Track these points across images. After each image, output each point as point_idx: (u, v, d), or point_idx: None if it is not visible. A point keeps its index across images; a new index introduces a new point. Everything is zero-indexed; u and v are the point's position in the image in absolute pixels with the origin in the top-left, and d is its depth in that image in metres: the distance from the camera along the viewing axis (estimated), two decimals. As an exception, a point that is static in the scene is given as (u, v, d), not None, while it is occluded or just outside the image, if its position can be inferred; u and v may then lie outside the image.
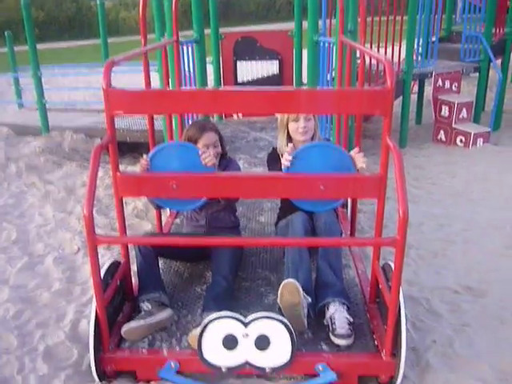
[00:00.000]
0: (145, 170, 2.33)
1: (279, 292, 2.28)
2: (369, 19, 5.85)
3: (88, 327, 2.21)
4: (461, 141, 6.47)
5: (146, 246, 2.65)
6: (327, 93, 2.22)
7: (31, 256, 3.83)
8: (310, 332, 2.36)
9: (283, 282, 2.29)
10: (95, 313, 2.17)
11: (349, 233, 3.29)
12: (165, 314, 2.42)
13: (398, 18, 6.26)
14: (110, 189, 4.99)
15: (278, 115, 2.91)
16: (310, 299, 2.34)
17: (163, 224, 3.45)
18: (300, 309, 2.25)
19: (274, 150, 2.97)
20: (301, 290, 2.27)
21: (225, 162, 2.91)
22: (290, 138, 2.86)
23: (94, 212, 2.05)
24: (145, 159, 2.35)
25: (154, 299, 2.48)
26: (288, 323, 2.08)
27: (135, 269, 3.27)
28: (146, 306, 2.47)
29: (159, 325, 2.41)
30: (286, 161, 2.23)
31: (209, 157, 2.34)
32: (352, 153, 2.37)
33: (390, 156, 2.10)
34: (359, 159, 2.34)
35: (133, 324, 2.34)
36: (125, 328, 2.33)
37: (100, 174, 5.27)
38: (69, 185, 5.39)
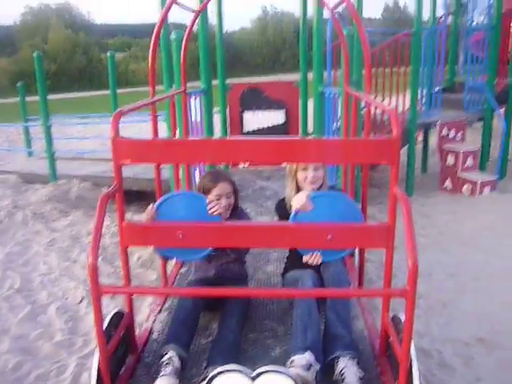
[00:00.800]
0: (151, 218, 2.32)
1: None
2: (373, 70, 5.97)
3: (89, 380, 2.14)
4: (467, 189, 6.46)
5: None
6: (334, 142, 2.23)
7: (34, 305, 3.78)
8: (318, 386, 2.27)
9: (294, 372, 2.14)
10: (97, 365, 2.11)
11: (357, 283, 3.23)
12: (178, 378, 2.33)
13: (402, 69, 6.39)
14: (116, 237, 4.98)
15: (287, 166, 2.92)
16: (318, 366, 2.26)
17: (168, 274, 3.41)
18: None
19: (282, 200, 2.96)
20: (309, 376, 2.18)
21: (236, 213, 2.89)
22: (298, 188, 2.85)
23: (99, 261, 2.03)
24: (151, 208, 2.34)
25: (182, 355, 2.37)
26: (296, 378, 2.00)
27: (139, 320, 3.23)
28: (176, 360, 2.32)
29: None
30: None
31: (215, 206, 2.33)
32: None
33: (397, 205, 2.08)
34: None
35: (167, 381, 2.22)
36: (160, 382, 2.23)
37: (107, 222, 5.27)
38: (74, 233, 5.38)
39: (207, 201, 2.34)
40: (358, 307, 3.01)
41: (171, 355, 2.34)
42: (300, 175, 2.82)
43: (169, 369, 2.27)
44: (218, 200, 2.75)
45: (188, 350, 2.46)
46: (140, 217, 5.59)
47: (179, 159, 2.48)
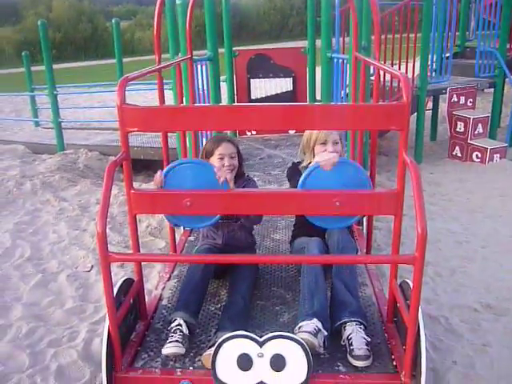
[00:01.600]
0: (159, 185, 2.32)
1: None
2: (382, 37, 5.86)
3: (101, 346, 2.17)
4: (477, 156, 6.39)
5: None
6: (343, 108, 2.20)
7: (45, 273, 3.83)
8: (327, 352, 2.30)
9: (301, 337, 2.13)
10: (108, 331, 2.14)
11: (365, 250, 3.23)
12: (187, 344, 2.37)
13: (412, 35, 6.26)
14: (124, 206, 5.00)
15: (304, 137, 2.88)
16: (325, 332, 2.28)
17: (177, 242, 3.43)
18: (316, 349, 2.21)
19: (295, 164, 2.94)
20: (317, 342, 2.20)
21: (242, 181, 2.88)
22: None
23: (107, 229, 2.04)
24: (159, 175, 2.33)
25: (190, 324, 2.40)
26: (304, 343, 2.03)
27: (149, 287, 3.26)
28: (184, 326, 2.36)
29: None
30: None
31: (223, 172, 2.32)
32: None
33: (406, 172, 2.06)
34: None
35: (175, 350, 2.26)
36: (167, 351, 2.27)
37: (114, 191, 5.28)
38: (83, 202, 5.41)
39: (215, 168, 2.32)
40: (366, 274, 3.02)
41: (179, 322, 2.38)
42: (318, 148, 2.77)
43: (176, 336, 2.31)
44: (221, 160, 2.73)
45: (197, 317, 2.49)
46: (148, 186, 5.61)
47: (186, 126, 2.45)
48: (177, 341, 2.28)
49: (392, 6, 6.61)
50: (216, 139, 2.84)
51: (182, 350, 2.28)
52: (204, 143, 3.00)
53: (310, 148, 2.81)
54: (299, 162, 2.94)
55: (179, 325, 2.37)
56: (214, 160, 2.75)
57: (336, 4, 5.93)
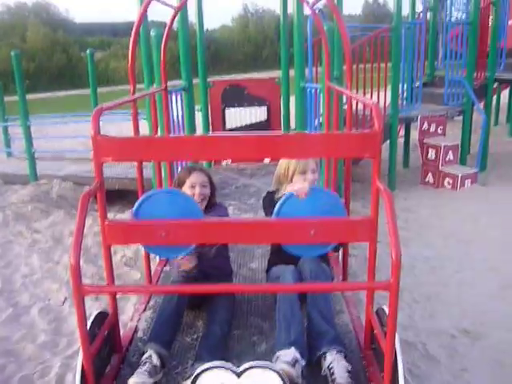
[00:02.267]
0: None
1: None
2: (353, 67, 6.00)
3: (74, 381, 2.11)
4: (448, 183, 6.52)
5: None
6: (317, 136, 2.23)
7: (16, 307, 3.73)
8: (305, 382, 2.28)
9: (279, 367, 2.12)
10: (81, 366, 2.09)
11: (341, 277, 3.24)
12: (160, 375, 2.33)
13: (382, 64, 6.42)
14: (98, 237, 4.92)
15: (280, 167, 2.87)
16: (303, 362, 2.26)
17: (152, 272, 3.39)
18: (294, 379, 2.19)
19: (269, 193, 2.94)
20: (295, 372, 2.18)
21: (214, 209, 2.88)
22: None
23: (81, 261, 2.01)
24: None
25: (162, 355, 2.36)
26: (282, 373, 2.01)
27: (123, 319, 3.20)
28: (154, 357, 2.32)
29: None
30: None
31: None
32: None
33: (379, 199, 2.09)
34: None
35: (138, 380, 2.20)
36: (130, 381, 2.21)
37: (89, 221, 5.21)
38: (56, 234, 5.32)
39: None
40: (343, 301, 3.02)
41: (150, 353, 2.34)
42: (297, 178, 2.78)
43: (145, 367, 2.27)
44: (192, 188, 2.75)
45: (169, 348, 2.45)
46: (122, 216, 5.55)
47: (161, 156, 2.46)
48: (144, 371, 2.24)
49: (362, 36, 6.80)
50: (188, 169, 2.87)
51: (149, 381, 2.23)
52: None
53: (289, 178, 2.82)
54: (274, 192, 2.94)
55: (150, 356, 2.33)
56: (186, 188, 2.78)
57: (308, 35, 6.06)
